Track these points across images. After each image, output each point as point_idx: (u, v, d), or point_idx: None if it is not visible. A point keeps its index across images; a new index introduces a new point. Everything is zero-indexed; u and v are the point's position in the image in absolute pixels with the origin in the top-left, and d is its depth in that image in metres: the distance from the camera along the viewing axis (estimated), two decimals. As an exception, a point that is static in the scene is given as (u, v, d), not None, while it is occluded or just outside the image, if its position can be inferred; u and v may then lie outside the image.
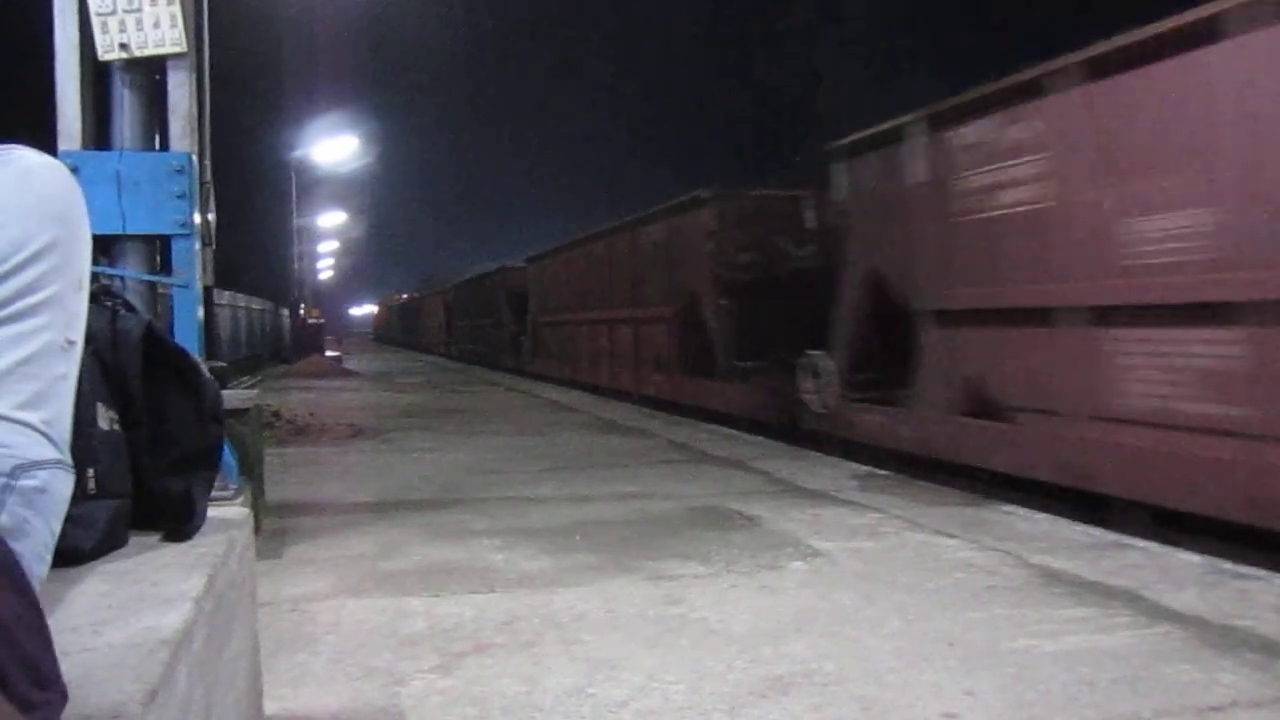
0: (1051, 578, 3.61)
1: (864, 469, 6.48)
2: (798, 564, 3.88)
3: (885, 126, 7.22)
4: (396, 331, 53.22)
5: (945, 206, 6.43)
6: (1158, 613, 3.16)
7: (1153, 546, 4.10)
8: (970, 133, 6.30)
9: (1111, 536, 4.31)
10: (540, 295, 18.97)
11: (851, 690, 2.53)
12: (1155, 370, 4.88)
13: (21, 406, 0.99)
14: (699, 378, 10.59)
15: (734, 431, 8.84)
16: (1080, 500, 5.22)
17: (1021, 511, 4.93)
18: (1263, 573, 3.63)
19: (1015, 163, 5.83)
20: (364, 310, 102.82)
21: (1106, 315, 5.14)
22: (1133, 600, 3.31)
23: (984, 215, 6.09)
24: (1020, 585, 3.51)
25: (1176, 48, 4.75)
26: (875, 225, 7.44)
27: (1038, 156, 5.67)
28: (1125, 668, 2.65)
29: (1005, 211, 5.90)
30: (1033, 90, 5.73)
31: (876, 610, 3.22)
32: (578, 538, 4.41)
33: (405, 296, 61.53)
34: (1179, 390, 4.75)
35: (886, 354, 7.28)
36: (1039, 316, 5.59)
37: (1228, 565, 3.75)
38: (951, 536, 4.32)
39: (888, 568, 3.79)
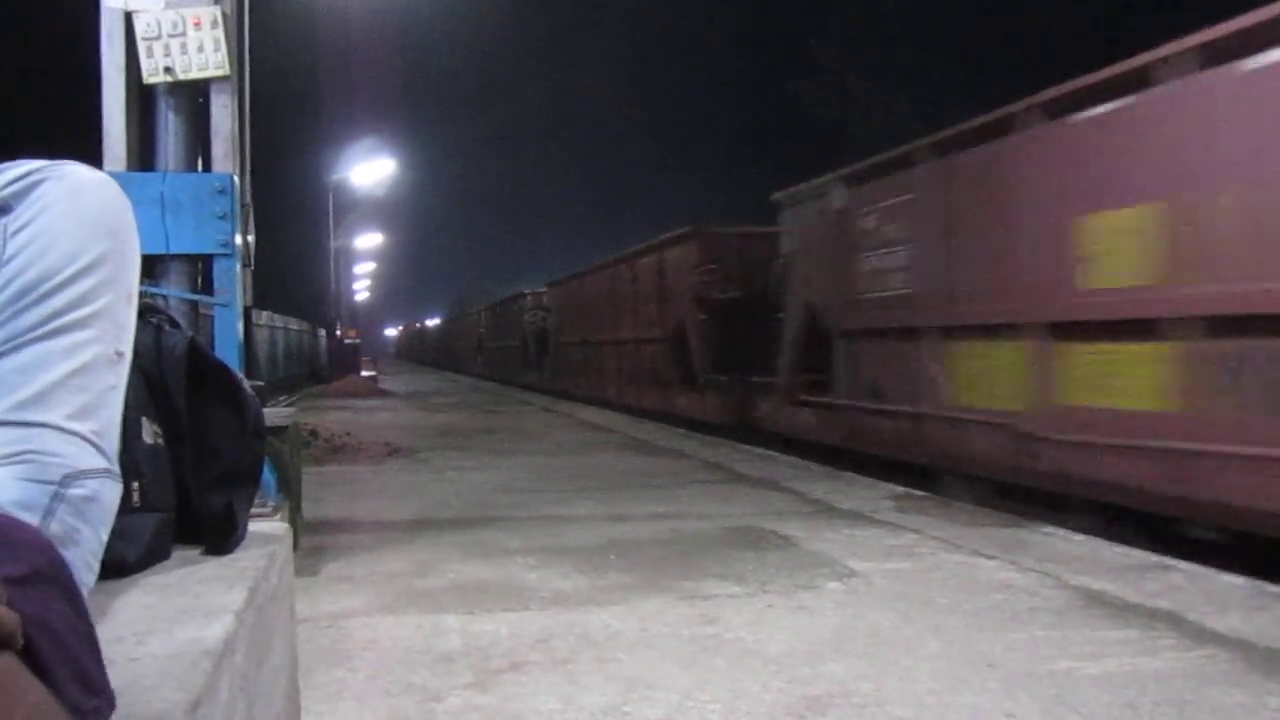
0: (1092, 599, 3.56)
1: (900, 489, 6.43)
2: (834, 584, 3.85)
3: (815, 182, 8.97)
4: (428, 353, 56.66)
5: (852, 252, 8.18)
6: (1202, 635, 3.11)
7: (1195, 569, 4.04)
8: (865, 193, 8.06)
9: (1154, 558, 4.25)
10: (559, 317, 20.37)
11: (890, 712, 2.50)
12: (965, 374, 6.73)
13: (72, 417, 1.01)
14: (685, 390, 12.18)
15: (769, 452, 8.81)
16: (1122, 521, 5.16)
17: (1061, 533, 4.86)
18: (1310, 596, 3.56)
19: (890, 221, 7.64)
20: (399, 331, 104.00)
21: (951, 333, 6.86)
22: (1176, 622, 3.25)
23: (875, 259, 7.92)
24: (1061, 607, 3.46)
25: (981, 139, 6.52)
26: (809, 265, 9.13)
27: (905, 216, 7.43)
28: (1169, 690, 2.61)
29: (886, 255, 7.75)
30: (905, 162, 7.40)
31: (914, 631, 3.19)
32: (612, 557, 4.40)
33: (418, 325, 73.09)
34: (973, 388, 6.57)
35: (819, 369, 8.87)
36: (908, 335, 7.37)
37: (1272, 588, 3.68)
38: (990, 557, 4.27)
39: (925, 588, 3.75)
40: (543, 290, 22.37)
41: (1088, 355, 5.50)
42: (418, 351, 63.95)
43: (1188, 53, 4.85)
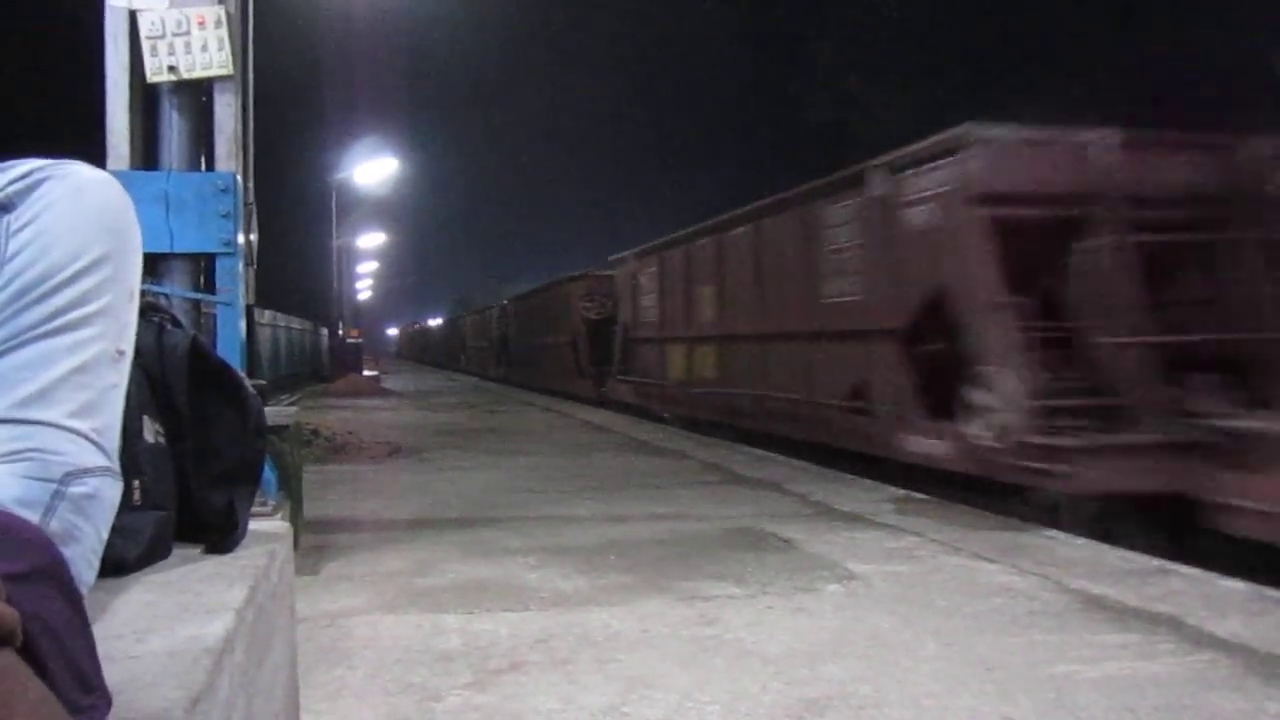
0: (1092, 603, 3.56)
1: (900, 492, 6.43)
2: (834, 586, 3.85)
3: (619, 255, 15.67)
4: (430, 353, 57.11)
5: (636, 296, 14.63)
6: (1201, 640, 3.11)
7: (1196, 573, 4.04)
8: (640, 263, 14.47)
9: (1155, 563, 4.25)
10: (512, 325, 25.99)
11: (888, 714, 2.50)
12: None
13: (74, 415, 1.01)
14: (578, 378, 17.92)
15: (769, 454, 8.81)
16: (1120, 527, 5.17)
17: (1062, 536, 4.87)
18: (1310, 601, 3.56)
19: (649, 282, 13.94)
20: (399, 330, 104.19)
21: (667, 341, 13.17)
22: (1176, 627, 3.25)
23: (645, 300, 14.31)
24: (1060, 610, 3.47)
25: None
26: (626, 301, 15.22)
27: (653, 280, 13.74)
28: (1168, 695, 2.61)
29: (647, 300, 14.16)
30: (653, 249, 13.75)
31: (913, 633, 3.19)
32: (612, 557, 4.41)
33: (416, 325, 76.82)
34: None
35: (635, 360, 14.69)
36: (655, 342, 13.75)
37: (1273, 592, 3.68)
38: (990, 561, 4.27)
39: (925, 591, 3.75)
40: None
41: (695, 352, 11.99)
42: (419, 352, 65.97)
43: (733, 220, 10.91)
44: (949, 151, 6.45)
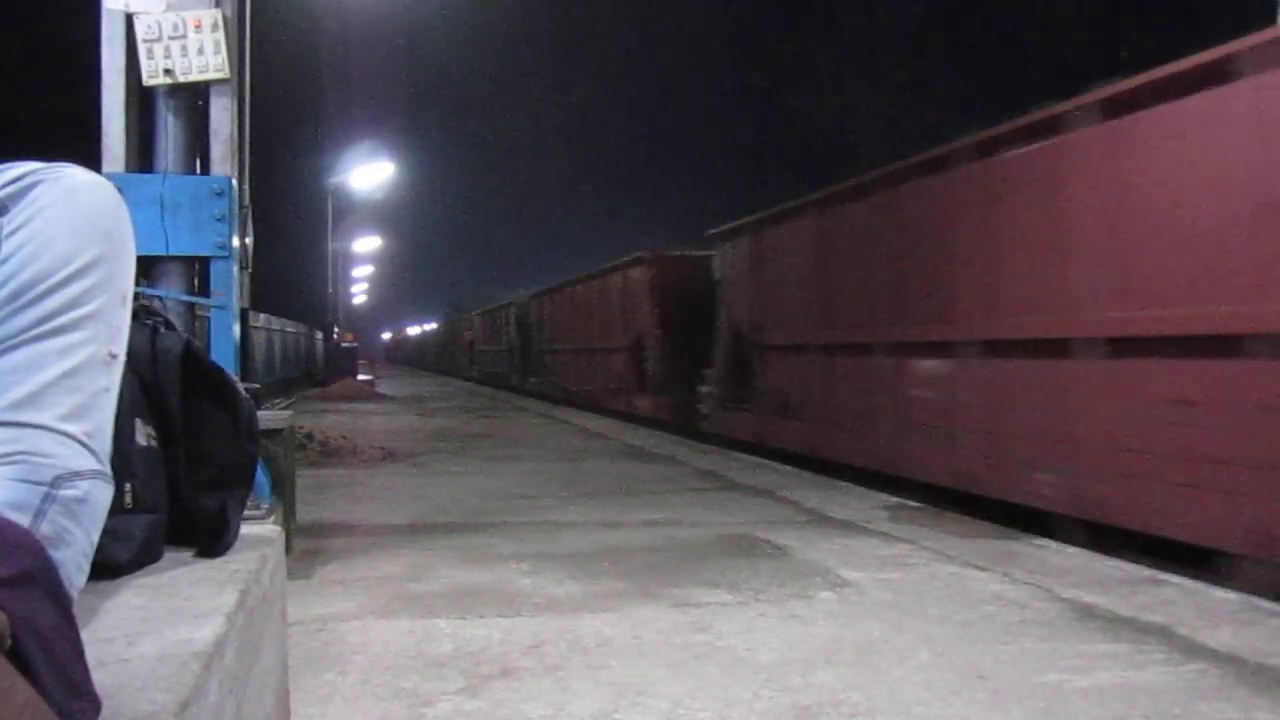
0: (1084, 612, 3.56)
1: (894, 500, 6.43)
2: (826, 594, 3.85)
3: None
4: (424, 358, 58.09)
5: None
6: (1193, 650, 3.11)
7: (1188, 583, 4.04)
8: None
9: (1146, 572, 4.25)
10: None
11: (879, 722, 2.50)
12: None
13: (64, 418, 1.01)
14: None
15: (763, 460, 8.81)
16: (1115, 536, 5.16)
17: (1054, 545, 4.87)
18: (1301, 611, 3.57)
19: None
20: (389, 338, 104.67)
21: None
22: (1167, 637, 3.26)
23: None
24: (1052, 619, 3.47)
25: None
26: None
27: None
28: (1159, 704, 2.61)
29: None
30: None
31: (906, 641, 3.19)
32: (605, 563, 4.40)
33: (407, 332, 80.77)
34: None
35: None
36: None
37: (1265, 603, 3.69)
38: (982, 569, 4.27)
39: (917, 599, 3.76)
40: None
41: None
42: (404, 355, 71.18)
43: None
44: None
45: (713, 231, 11.61)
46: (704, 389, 11.51)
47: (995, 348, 6.29)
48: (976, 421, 6.44)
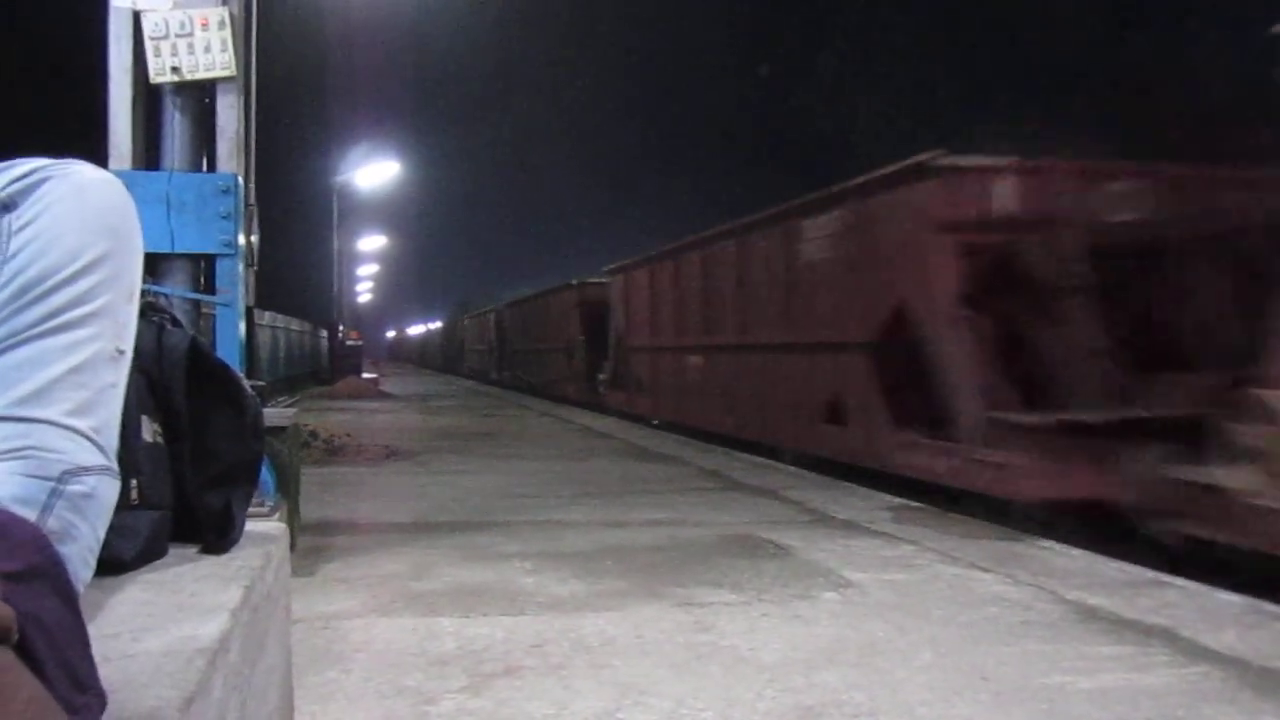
0: (1087, 614, 3.56)
1: (897, 500, 6.43)
2: (830, 594, 3.85)
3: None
4: (427, 357, 59.25)
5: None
6: (1196, 652, 3.11)
7: (1191, 585, 4.03)
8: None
9: (1150, 574, 4.25)
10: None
11: (882, 722, 2.50)
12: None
13: (71, 413, 1.01)
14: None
15: (767, 461, 8.81)
16: (1115, 535, 5.17)
17: (1058, 547, 4.86)
18: (1306, 614, 3.56)
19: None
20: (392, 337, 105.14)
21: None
22: (1171, 639, 3.25)
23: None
24: (1055, 621, 3.47)
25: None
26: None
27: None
28: (1162, 707, 2.61)
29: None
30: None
31: (909, 642, 3.19)
32: (608, 562, 4.40)
33: (409, 332, 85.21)
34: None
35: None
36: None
37: (1269, 606, 3.68)
38: (986, 570, 4.27)
39: (921, 600, 3.75)
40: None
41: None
42: (405, 353, 75.84)
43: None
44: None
45: (606, 269, 16.81)
46: (601, 376, 16.20)
47: (734, 348, 10.44)
48: (723, 389, 10.77)
